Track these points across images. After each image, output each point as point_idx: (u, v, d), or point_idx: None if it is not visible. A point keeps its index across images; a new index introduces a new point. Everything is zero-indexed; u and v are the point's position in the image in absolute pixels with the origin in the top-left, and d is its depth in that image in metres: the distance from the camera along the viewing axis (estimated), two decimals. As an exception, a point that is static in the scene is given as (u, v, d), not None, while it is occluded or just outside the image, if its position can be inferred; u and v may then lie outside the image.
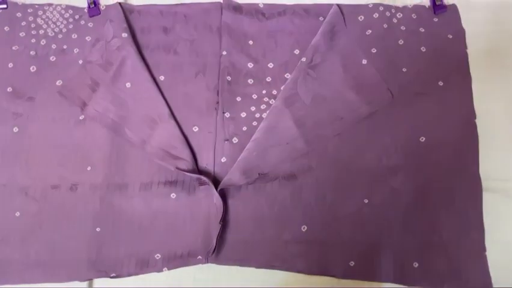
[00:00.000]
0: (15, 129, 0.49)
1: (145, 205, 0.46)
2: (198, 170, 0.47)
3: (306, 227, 0.45)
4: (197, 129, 0.48)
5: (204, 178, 0.45)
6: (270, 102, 0.49)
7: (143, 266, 0.45)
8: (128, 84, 0.49)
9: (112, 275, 0.44)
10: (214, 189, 0.45)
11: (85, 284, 0.45)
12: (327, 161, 0.47)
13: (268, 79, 0.50)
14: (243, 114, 0.49)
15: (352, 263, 0.45)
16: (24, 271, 0.45)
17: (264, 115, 0.48)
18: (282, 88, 0.49)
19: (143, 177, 0.47)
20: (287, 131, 0.47)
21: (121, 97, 0.48)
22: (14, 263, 0.45)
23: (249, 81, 0.50)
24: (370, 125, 0.48)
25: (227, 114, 0.49)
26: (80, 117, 0.49)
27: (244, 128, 0.48)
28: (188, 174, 0.45)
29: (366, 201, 0.46)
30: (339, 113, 0.48)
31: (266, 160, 0.46)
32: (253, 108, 0.49)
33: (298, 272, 0.45)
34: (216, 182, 0.46)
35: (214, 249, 0.44)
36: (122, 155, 0.48)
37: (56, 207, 0.46)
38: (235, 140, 0.48)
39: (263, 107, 0.49)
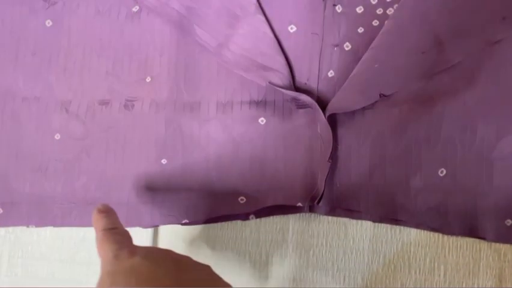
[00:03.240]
0: (48, 23, 0.40)
1: (224, 131, 0.38)
2: (294, 86, 0.37)
3: (445, 171, 0.36)
4: (294, 28, 0.37)
5: (305, 98, 0.36)
6: (400, -9, 0.37)
7: (224, 211, 0.37)
8: (198, -39, 0.38)
9: (183, 222, 0.37)
10: (321, 114, 0.35)
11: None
12: (480, 80, 0.36)
13: (400, -45, 0.37)
14: (360, 9, 0.37)
15: (509, 222, 0.35)
16: (70, 210, 0.38)
17: (390, 11, 0.37)
18: (419, -30, 0.36)
19: (220, 94, 0.38)
20: (424, 34, 0.35)
21: (189, -20, 0.38)
22: (56, 200, 0.38)
23: (370, -41, 0.38)
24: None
25: (338, 8, 0.37)
26: (134, 9, 0.39)
27: (361, 29, 0.37)
28: (283, 91, 0.35)
29: (534, 140, 0.36)
30: (501, 10, 0.36)
31: (392, 76, 0.36)
32: (374, 0, 0.37)
33: (433, 230, 0.36)
34: (320, 104, 0.36)
35: (322, 195, 0.35)
36: (191, 63, 0.38)
37: (106, 129, 0.39)
38: (347, 45, 0.37)
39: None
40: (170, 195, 0.37)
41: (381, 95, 0.36)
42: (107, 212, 0.32)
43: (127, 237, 0.30)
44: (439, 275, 0.35)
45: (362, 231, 0.36)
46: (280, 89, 0.36)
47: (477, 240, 0.35)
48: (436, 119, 0.36)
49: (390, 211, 0.36)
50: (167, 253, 0.29)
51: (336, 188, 0.36)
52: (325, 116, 0.35)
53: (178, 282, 0.25)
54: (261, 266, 0.37)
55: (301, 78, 0.37)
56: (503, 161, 0.36)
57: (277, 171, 0.37)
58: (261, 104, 0.38)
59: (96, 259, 0.38)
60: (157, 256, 0.28)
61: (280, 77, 0.36)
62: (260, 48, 0.37)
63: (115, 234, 0.30)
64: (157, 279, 0.26)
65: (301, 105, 0.37)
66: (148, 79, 0.39)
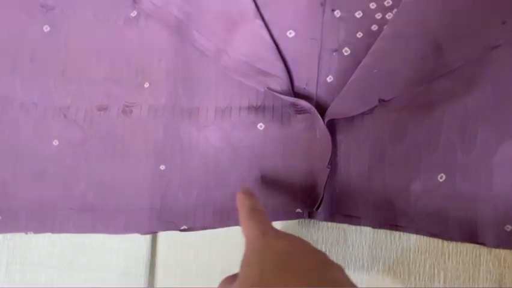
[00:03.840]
0: (46, 29, 0.40)
1: (222, 137, 0.38)
2: (293, 91, 0.37)
3: (444, 176, 0.36)
4: (293, 34, 0.38)
5: (303, 103, 0.36)
6: (400, -5, 0.37)
7: (223, 217, 0.37)
8: (197, -33, 0.38)
9: (182, 228, 0.37)
10: (320, 119, 0.35)
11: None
12: (480, 84, 0.36)
13: (399, -40, 0.38)
14: (359, 14, 0.37)
15: (509, 228, 0.35)
16: (68, 217, 0.38)
17: (390, 15, 0.37)
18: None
19: (218, 99, 0.38)
20: (423, 38, 0.36)
21: (187, -15, 0.38)
22: (55, 207, 0.38)
23: (368, -36, 0.38)
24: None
25: (337, 13, 0.37)
26: (132, 14, 0.39)
27: (360, 34, 0.37)
28: (282, 97, 0.36)
29: (534, 144, 0.36)
30: (501, 15, 0.36)
31: (391, 81, 0.36)
32: (373, 5, 0.37)
33: (432, 236, 0.36)
34: (319, 109, 0.36)
35: (321, 201, 0.35)
36: (190, 68, 0.38)
37: (104, 135, 0.39)
38: (346, 50, 0.37)
39: (388, 3, 0.37)
40: (169, 201, 0.38)
41: (380, 100, 0.36)
42: (251, 193, 0.33)
43: (270, 221, 0.31)
44: (439, 281, 0.36)
45: (361, 237, 0.37)
46: (278, 95, 0.36)
47: (477, 246, 0.35)
48: (436, 124, 0.36)
49: (389, 217, 0.36)
50: (309, 245, 0.28)
51: (335, 194, 0.37)
52: (324, 122, 0.35)
53: (322, 275, 0.25)
54: (260, 272, 0.37)
55: (300, 84, 0.37)
56: (503, 167, 0.36)
57: (276, 176, 0.37)
58: (259, 110, 0.38)
59: (94, 266, 0.39)
60: (302, 246, 0.28)
61: (278, 82, 0.36)
62: (258, 53, 0.37)
63: (261, 215, 0.31)
64: (303, 268, 0.25)
65: (300, 111, 0.37)
66: (146, 84, 0.39)
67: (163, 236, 0.38)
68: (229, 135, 0.38)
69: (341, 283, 0.25)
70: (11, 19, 0.40)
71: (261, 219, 0.30)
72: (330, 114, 0.36)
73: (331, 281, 0.25)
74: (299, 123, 0.37)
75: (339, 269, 0.26)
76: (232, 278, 0.29)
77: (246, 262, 0.27)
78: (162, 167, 0.38)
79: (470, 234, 0.36)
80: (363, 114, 0.36)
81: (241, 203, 0.32)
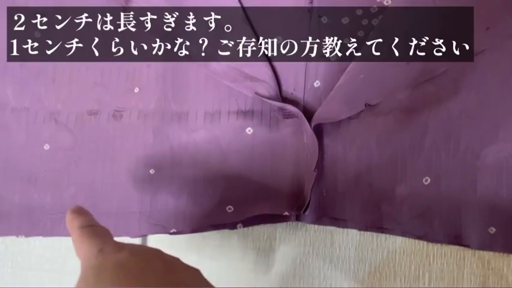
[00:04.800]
0: (37, 34, 0.40)
1: (211, 141, 0.38)
2: (281, 96, 0.38)
3: (429, 179, 0.37)
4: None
5: (291, 108, 0.36)
6: (385, 2, 0.38)
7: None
8: (185, -28, 0.38)
9: (171, 231, 0.38)
10: (307, 124, 0.36)
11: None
12: (463, 89, 0.37)
13: (384, -32, 0.38)
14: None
15: (492, 230, 0.36)
16: (59, 220, 0.39)
17: (376, 21, 0.37)
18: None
19: (207, 104, 0.39)
20: (409, 44, 0.36)
21: (175, -10, 0.39)
22: (46, 210, 0.39)
23: (354, -29, 0.38)
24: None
25: (324, 19, 0.38)
26: (121, 20, 0.40)
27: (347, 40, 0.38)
28: (270, 102, 0.36)
29: (518, 148, 0.36)
30: (485, 20, 0.36)
31: (377, 86, 0.37)
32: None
33: (417, 238, 0.37)
34: (306, 114, 0.37)
35: (308, 204, 0.36)
36: (179, 74, 0.39)
37: (95, 139, 0.39)
38: (333, 56, 0.38)
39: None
40: (159, 204, 0.38)
41: (367, 105, 0.37)
42: (82, 211, 0.29)
43: (109, 235, 0.28)
44: (424, 283, 0.36)
45: (348, 240, 0.37)
46: (266, 100, 0.36)
47: (461, 248, 0.36)
48: (421, 128, 0.37)
49: (375, 219, 0.37)
50: (156, 252, 0.27)
51: (323, 197, 0.37)
52: (311, 126, 0.36)
53: (167, 283, 0.24)
54: (248, 274, 0.38)
55: (288, 89, 0.38)
56: (487, 170, 0.36)
57: (264, 180, 0.38)
58: (248, 114, 0.38)
59: (85, 268, 0.39)
60: (146, 254, 0.27)
61: (266, 87, 0.37)
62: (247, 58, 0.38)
63: (96, 231, 0.28)
64: (146, 278, 0.24)
65: (288, 115, 0.37)
66: (136, 90, 0.39)
67: (152, 239, 0.39)
68: (218, 139, 0.38)
69: (187, 284, 0.24)
70: (1, 25, 0.41)
71: (95, 235, 0.27)
72: (317, 118, 0.36)
73: (175, 281, 0.24)
74: (287, 128, 0.38)
75: (192, 272, 0.25)
76: None
77: (81, 284, 0.24)
78: (152, 171, 0.39)
79: (454, 236, 0.36)
80: (349, 118, 0.37)
81: (71, 224, 0.28)
